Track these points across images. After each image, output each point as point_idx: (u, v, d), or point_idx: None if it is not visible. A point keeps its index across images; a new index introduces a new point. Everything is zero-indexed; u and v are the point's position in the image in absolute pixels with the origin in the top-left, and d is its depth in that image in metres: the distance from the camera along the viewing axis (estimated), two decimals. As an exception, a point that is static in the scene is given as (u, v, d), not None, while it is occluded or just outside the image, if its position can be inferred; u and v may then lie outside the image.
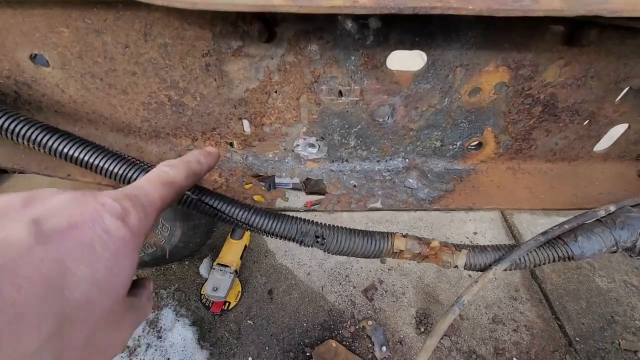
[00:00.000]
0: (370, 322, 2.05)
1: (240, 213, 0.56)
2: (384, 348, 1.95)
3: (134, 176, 0.54)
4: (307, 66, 0.60)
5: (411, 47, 0.56)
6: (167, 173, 0.40)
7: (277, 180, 0.78)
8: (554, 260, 0.61)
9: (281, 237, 0.59)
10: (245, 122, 0.70)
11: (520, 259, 0.60)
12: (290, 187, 0.85)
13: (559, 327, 2.07)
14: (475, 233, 2.60)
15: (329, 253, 0.61)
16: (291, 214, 0.63)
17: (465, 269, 0.60)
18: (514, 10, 0.39)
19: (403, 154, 0.77)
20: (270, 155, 0.77)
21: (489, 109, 0.67)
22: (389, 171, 0.78)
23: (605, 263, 2.41)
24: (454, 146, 0.74)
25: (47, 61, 0.59)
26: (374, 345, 1.97)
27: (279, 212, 0.61)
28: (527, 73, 0.60)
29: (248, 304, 2.14)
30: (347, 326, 2.04)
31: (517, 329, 2.05)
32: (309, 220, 0.62)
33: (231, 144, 0.74)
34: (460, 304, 0.59)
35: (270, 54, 0.58)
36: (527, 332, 2.04)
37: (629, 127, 0.70)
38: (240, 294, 2.17)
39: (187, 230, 1.83)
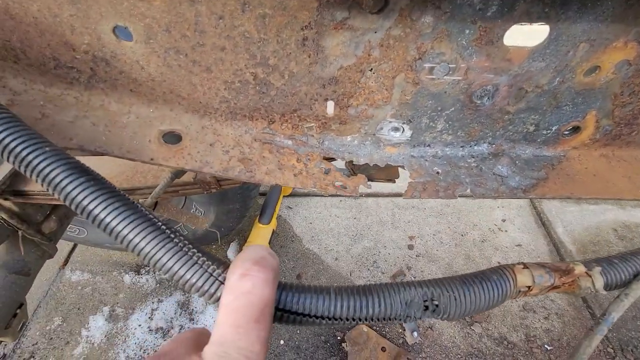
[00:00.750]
0: (401, 308, 2.05)
1: (314, 303, 0.42)
2: (415, 333, 1.95)
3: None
4: (414, 41, 0.54)
5: (538, 20, 0.51)
6: (261, 299, 0.33)
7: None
8: None
9: (382, 320, 0.46)
10: (330, 104, 0.65)
11: None
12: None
13: (590, 315, 2.06)
14: (503, 220, 2.57)
15: (448, 320, 0.48)
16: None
17: (605, 290, 0.53)
18: None
19: (490, 138, 0.72)
20: (349, 139, 0.72)
21: (600, 90, 0.61)
22: (473, 157, 0.73)
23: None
24: (549, 131, 0.69)
25: (131, 34, 0.54)
26: (404, 330, 1.97)
27: (364, 287, 0.47)
28: (657, 50, 0.54)
29: (278, 288, 2.14)
30: (378, 311, 2.04)
31: (548, 316, 2.04)
32: (408, 283, 0.48)
33: (309, 127, 0.70)
34: (609, 322, 0.53)
35: (375, 26, 0.53)
36: (558, 320, 2.03)
37: None
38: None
39: (220, 214, 1.81)
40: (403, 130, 0.70)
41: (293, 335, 1.94)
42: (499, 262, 2.27)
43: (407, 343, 1.92)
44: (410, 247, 2.35)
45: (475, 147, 0.73)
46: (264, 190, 2.51)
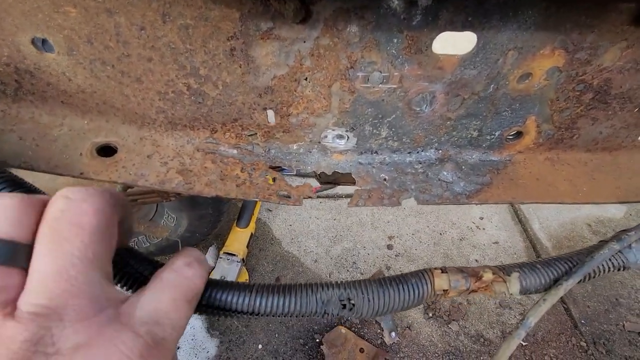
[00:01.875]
0: (379, 309, 2.06)
1: (236, 299, 0.47)
2: (392, 333, 1.96)
3: None
4: (344, 50, 0.54)
5: (462, 28, 0.51)
6: (196, 286, 0.39)
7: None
8: (608, 271, 0.57)
9: (300, 316, 0.51)
10: (270, 112, 0.64)
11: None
12: (294, 173, 0.78)
13: (565, 310, 2.10)
14: (481, 218, 2.60)
15: (361, 318, 0.52)
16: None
17: (520, 294, 0.55)
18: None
19: (437, 144, 0.72)
20: (295, 147, 0.71)
21: (535, 96, 0.62)
22: (421, 163, 0.73)
23: (610, 246, 2.43)
24: (492, 136, 0.70)
25: (52, 46, 0.52)
26: (382, 330, 1.98)
27: (288, 285, 0.51)
28: (585, 57, 0.55)
29: (256, 292, 2.12)
30: (356, 313, 2.05)
31: (524, 312, 2.07)
32: (329, 283, 0.52)
33: (253, 135, 0.69)
34: (526, 327, 0.54)
35: (303, 36, 0.52)
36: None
37: (681, 115, 0.66)
38: (247, 282, 2.15)
39: (193, 220, 1.79)
40: (348, 138, 0.69)
41: (271, 340, 1.93)
42: (476, 261, 2.30)
43: (385, 343, 1.93)
44: (390, 247, 2.36)
45: (423, 153, 0.73)
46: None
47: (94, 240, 0.31)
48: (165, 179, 0.63)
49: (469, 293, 0.56)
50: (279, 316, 0.51)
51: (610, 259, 0.56)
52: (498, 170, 0.72)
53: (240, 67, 0.56)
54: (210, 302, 0.47)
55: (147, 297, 0.35)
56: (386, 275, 2.31)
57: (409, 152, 0.73)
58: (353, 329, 1.97)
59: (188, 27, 0.50)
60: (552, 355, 1.91)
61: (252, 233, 2.26)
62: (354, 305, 0.51)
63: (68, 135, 0.62)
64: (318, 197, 2.67)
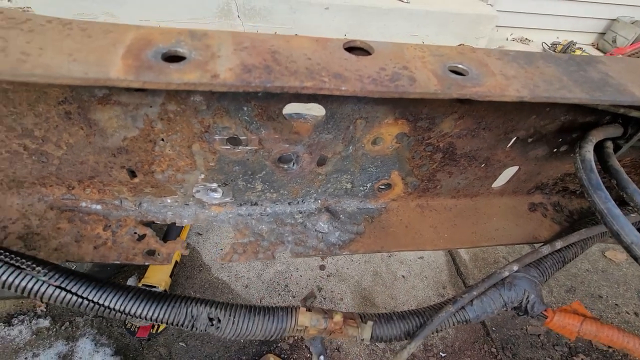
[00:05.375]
0: (308, 333, 2.05)
1: (116, 300, 0.50)
2: (321, 357, 1.96)
3: None
4: (194, 116, 0.53)
5: (307, 101, 0.53)
6: None
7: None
8: (453, 325, 0.63)
9: (170, 324, 0.54)
10: (130, 171, 0.61)
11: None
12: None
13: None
14: (409, 234, 2.72)
15: (224, 337, 0.56)
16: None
17: (372, 341, 0.60)
18: (389, 92, 0.37)
19: (315, 195, 0.74)
20: (169, 201, 0.69)
21: (393, 155, 0.66)
22: (301, 213, 0.74)
23: (517, 256, 2.71)
24: (365, 187, 0.74)
25: None
26: (312, 355, 1.97)
27: (164, 294, 0.55)
28: (425, 125, 0.61)
29: (180, 325, 2.00)
30: (286, 338, 2.02)
31: (444, 324, 2.21)
32: (201, 299, 0.57)
33: (119, 189, 0.65)
34: None
35: (147, 102, 0.51)
36: (451, 328, 2.22)
37: (519, 168, 0.75)
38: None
39: (102, 253, 1.64)
40: (223, 192, 0.68)
41: (195, 376, 1.82)
42: (403, 277, 2.41)
43: (315, 367, 1.93)
44: (322, 267, 2.38)
45: (302, 204, 0.74)
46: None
47: None
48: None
49: (329, 334, 0.59)
50: (148, 320, 0.54)
51: (455, 316, 0.62)
52: (372, 219, 0.76)
53: (82, 129, 0.52)
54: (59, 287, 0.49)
55: None
56: (317, 297, 2.30)
57: (289, 203, 0.74)
58: (282, 355, 1.94)
59: (6, 90, 0.46)
60: (467, 364, 2.06)
61: (176, 261, 2.13)
62: (220, 322, 0.56)
63: None
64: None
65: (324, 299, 2.23)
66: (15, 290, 0.47)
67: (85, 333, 1.91)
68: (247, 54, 0.37)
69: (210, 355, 1.91)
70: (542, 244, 0.74)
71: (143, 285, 1.93)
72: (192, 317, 0.55)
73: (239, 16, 3.97)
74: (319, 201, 0.75)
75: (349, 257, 2.50)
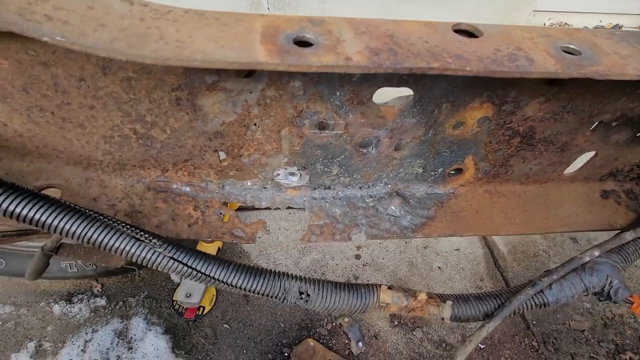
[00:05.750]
0: (346, 319, 2.09)
1: (220, 272, 0.54)
2: (360, 343, 2.01)
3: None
4: (289, 101, 0.56)
5: (398, 85, 0.54)
6: None
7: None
8: (530, 308, 0.64)
9: (263, 295, 0.57)
10: (222, 154, 0.65)
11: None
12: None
13: (520, 314, 2.24)
14: (444, 226, 2.70)
15: (314, 310, 0.61)
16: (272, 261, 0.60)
17: (451, 321, 0.62)
18: (510, 72, 0.38)
19: (386, 179, 0.76)
20: (249, 184, 0.73)
21: (471, 140, 0.67)
22: (371, 197, 0.76)
23: (558, 250, 2.62)
24: (436, 172, 0.75)
25: (-17, 94, 0.50)
26: (350, 341, 2.02)
27: (260, 268, 0.60)
28: (510, 109, 0.61)
29: (223, 308, 2.10)
30: (324, 324, 2.07)
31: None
32: (293, 275, 0.61)
33: (206, 173, 0.69)
34: None
35: (249, 88, 0.54)
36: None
37: (596, 154, 0.74)
38: (215, 297, 2.12)
39: (155, 238, 1.74)
40: (300, 175, 0.71)
41: (239, 357, 1.91)
42: (439, 268, 2.40)
43: (353, 353, 1.97)
44: (358, 256, 2.41)
45: (373, 188, 0.76)
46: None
47: None
48: (112, 223, 0.62)
49: (408, 312, 0.62)
50: (247, 292, 0.58)
51: (533, 298, 0.63)
52: (442, 204, 0.77)
53: (187, 114, 0.56)
54: (172, 258, 0.54)
55: None
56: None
57: (360, 187, 0.76)
58: (321, 340, 1.99)
59: (130, 79, 0.50)
60: (506, 356, 2.03)
61: (219, 247, 2.23)
62: (309, 298, 0.61)
63: (5, 178, 0.59)
64: (287, 208, 2.68)
65: (361, 287, 2.26)
66: (137, 260, 0.52)
67: (138, 312, 2.04)
68: (367, 38, 0.39)
69: (252, 338, 2.00)
70: (619, 230, 0.72)
71: (190, 269, 2.03)
72: (285, 290, 0.59)
73: (268, 8, 4.01)
74: (389, 186, 0.77)
75: (384, 247, 2.51)
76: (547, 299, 0.64)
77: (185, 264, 0.54)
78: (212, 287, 2.14)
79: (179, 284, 2.08)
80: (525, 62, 0.38)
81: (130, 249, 0.52)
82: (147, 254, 0.52)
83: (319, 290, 0.60)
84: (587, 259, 0.64)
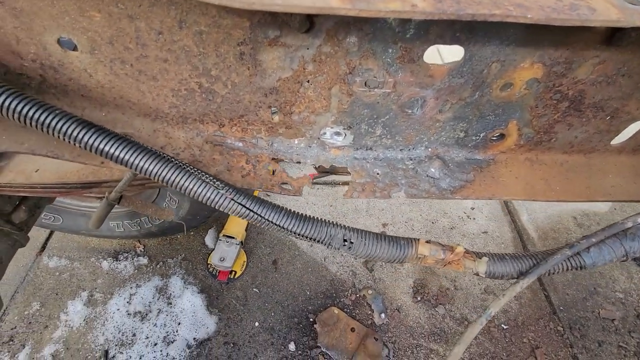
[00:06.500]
0: (370, 291, 2.16)
1: (273, 215, 0.60)
2: (382, 315, 2.07)
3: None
4: (343, 57, 0.59)
5: (450, 42, 0.56)
6: None
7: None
8: (567, 270, 0.66)
9: (311, 240, 0.63)
10: (274, 110, 0.70)
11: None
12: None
13: (545, 297, 2.22)
14: (472, 208, 2.68)
15: (356, 256, 0.66)
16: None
17: (485, 276, 0.64)
18: (571, 20, 0.39)
19: (426, 143, 0.78)
20: (296, 142, 0.77)
21: (517, 103, 0.68)
22: (411, 160, 0.79)
23: (593, 239, 2.54)
24: (477, 137, 0.76)
25: (76, 45, 0.57)
26: (373, 312, 2.09)
27: (308, 215, 0.64)
28: (561, 70, 0.61)
29: (253, 273, 2.22)
30: (349, 295, 2.15)
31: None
32: (338, 224, 0.66)
33: (257, 129, 0.75)
34: (488, 315, 0.64)
35: (307, 44, 0.57)
36: (515, 302, 2.18)
37: (648, 123, 0.72)
38: (245, 263, 2.25)
39: (194, 203, 1.85)
40: (345, 135, 0.75)
41: (267, 318, 2.03)
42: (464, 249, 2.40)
43: (375, 324, 2.05)
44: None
45: (413, 150, 0.79)
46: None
47: None
48: (177, 169, 0.69)
49: (444, 265, 0.65)
50: (296, 235, 0.64)
51: (569, 260, 0.64)
52: (481, 169, 0.79)
53: (248, 69, 0.61)
54: (233, 199, 0.60)
55: None
56: (376, 262, 2.37)
57: (400, 149, 0.79)
58: (345, 309, 2.08)
59: (202, 33, 0.55)
60: (530, 338, 2.04)
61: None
62: (352, 243, 0.66)
63: (88, 126, 0.67)
64: (315, 184, 2.74)
65: (382, 265, 2.31)
66: (205, 201, 0.59)
67: (176, 272, 2.20)
68: (430, -12, 0.41)
69: (280, 302, 2.11)
70: (666, 202, 0.71)
71: (223, 235, 2.16)
72: (330, 236, 0.64)
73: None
74: (429, 149, 0.79)
75: (409, 226, 2.53)
76: (584, 261, 0.66)
77: (245, 206, 0.60)
78: (243, 254, 2.26)
79: (213, 249, 2.21)
80: (586, 11, 0.39)
81: (198, 189, 0.58)
82: (211, 194, 0.59)
83: (361, 238, 0.65)
84: (630, 224, 0.64)
